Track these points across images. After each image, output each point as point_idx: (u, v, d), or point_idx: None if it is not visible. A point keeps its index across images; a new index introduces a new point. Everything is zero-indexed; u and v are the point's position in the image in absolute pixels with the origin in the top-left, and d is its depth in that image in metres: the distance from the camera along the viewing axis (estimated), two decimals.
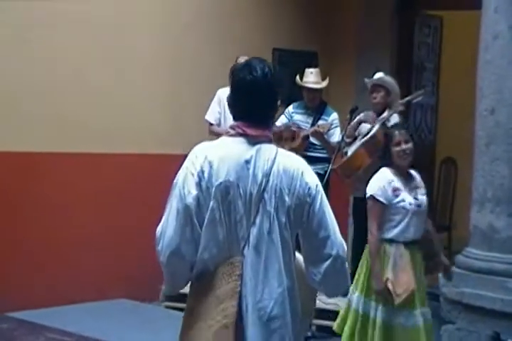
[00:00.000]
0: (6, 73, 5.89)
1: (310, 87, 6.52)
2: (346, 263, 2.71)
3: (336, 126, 6.57)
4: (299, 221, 2.67)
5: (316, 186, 2.69)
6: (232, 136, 2.74)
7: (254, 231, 2.63)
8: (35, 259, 6.00)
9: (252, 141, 2.69)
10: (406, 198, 4.55)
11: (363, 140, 6.28)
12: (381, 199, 4.52)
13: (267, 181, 2.63)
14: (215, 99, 6.61)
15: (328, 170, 6.02)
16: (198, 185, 2.65)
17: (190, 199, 2.66)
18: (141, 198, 6.67)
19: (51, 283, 6.03)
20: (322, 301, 5.85)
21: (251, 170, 2.65)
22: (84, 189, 6.32)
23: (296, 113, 6.62)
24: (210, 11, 7.22)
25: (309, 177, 2.70)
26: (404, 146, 4.60)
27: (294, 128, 6.52)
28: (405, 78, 7.93)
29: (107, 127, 6.47)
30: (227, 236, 2.65)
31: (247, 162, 2.65)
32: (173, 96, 6.97)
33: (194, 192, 2.66)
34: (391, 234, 4.54)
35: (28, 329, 5.40)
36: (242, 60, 6.49)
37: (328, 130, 6.48)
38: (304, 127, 6.54)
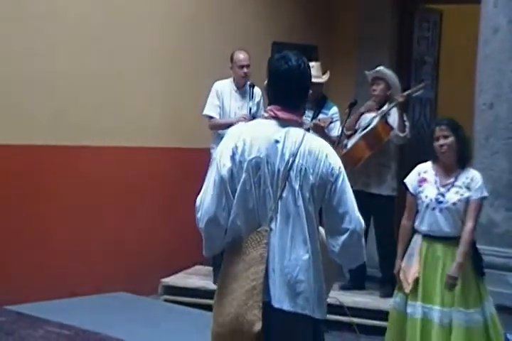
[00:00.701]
0: (4, 69, 5.86)
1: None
2: (363, 239, 2.98)
3: (336, 120, 6.58)
4: (321, 197, 2.96)
5: (339, 168, 2.98)
6: (266, 118, 3.09)
7: (281, 204, 2.94)
8: (34, 252, 6.00)
9: (283, 123, 3.02)
10: (427, 191, 4.68)
11: (363, 132, 6.29)
12: (409, 186, 4.79)
13: (293, 160, 2.94)
14: (212, 92, 6.55)
15: None
16: (232, 158, 2.97)
17: (224, 171, 2.97)
18: (139, 191, 6.68)
19: (50, 276, 6.03)
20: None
21: (280, 149, 2.96)
22: (82, 182, 6.32)
23: None
24: (210, 4, 7.22)
25: (332, 159, 2.99)
26: (441, 141, 4.64)
27: None
28: (405, 72, 7.92)
29: (104, 121, 6.46)
30: (257, 206, 2.96)
31: (277, 141, 2.97)
32: (172, 90, 6.96)
33: (228, 165, 2.98)
34: (415, 223, 4.78)
35: (26, 322, 5.39)
36: (239, 54, 6.51)
37: (329, 124, 6.48)
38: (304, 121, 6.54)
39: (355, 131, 6.37)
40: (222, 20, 7.26)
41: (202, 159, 6.56)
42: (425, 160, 4.84)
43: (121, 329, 5.41)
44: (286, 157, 2.96)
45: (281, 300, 2.95)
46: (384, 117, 6.25)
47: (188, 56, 7.04)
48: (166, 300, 6.46)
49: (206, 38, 7.14)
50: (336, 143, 6.13)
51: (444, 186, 4.65)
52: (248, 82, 6.54)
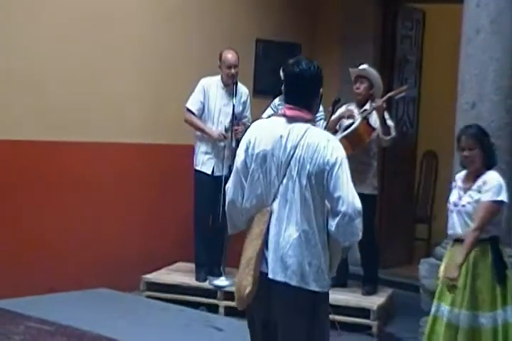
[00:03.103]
0: None
1: None
2: (357, 220, 3.29)
3: (320, 119, 6.58)
4: (320, 184, 3.33)
5: (336, 157, 3.33)
6: (278, 116, 3.52)
7: (281, 189, 3.38)
8: (15, 248, 5.98)
9: (290, 120, 3.44)
10: (451, 196, 4.83)
11: (345, 133, 6.30)
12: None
13: (294, 152, 3.36)
14: (198, 88, 6.54)
15: None
16: (246, 151, 3.46)
17: (239, 163, 3.49)
18: (120, 187, 6.67)
19: (31, 271, 6.01)
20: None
21: (283, 143, 3.38)
22: (62, 178, 6.30)
23: (282, 105, 6.60)
24: (192, 1, 7.20)
25: (330, 149, 3.33)
26: (465, 153, 4.74)
27: None
28: (388, 71, 7.95)
29: (88, 116, 6.45)
30: (264, 192, 3.42)
31: (282, 136, 3.39)
32: (157, 86, 6.94)
33: (242, 157, 3.48)
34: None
35: (7, 318, 5.39)
36: (227, 54, 6.50)
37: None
38: None
39: (336, 132, 6.39)
40: (207, 17, 7.24)
41: (185, 156, 6.58)
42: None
43: (101, 324, 5.41)
44: (288, 149, 3.36)
45: (274, 272, 3.36)
46: (365, 118, 6.27)
47: (172, 53, 7.02)
48: (148, 296, 6.46)
49: (191, 35, 7.13)
50: None
51: (464, 190, 4.77)
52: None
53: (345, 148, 6.12)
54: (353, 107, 6.48)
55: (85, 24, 6.40)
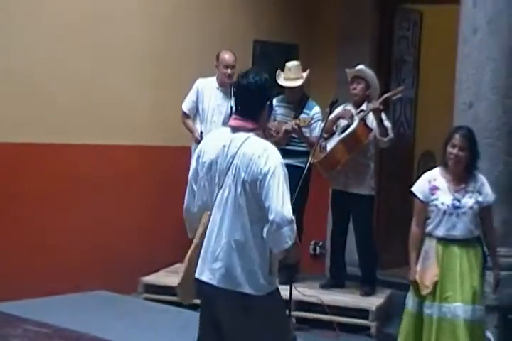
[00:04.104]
0: None
1: (286, 85, 6.52)
2: (285, 229, 3.36)
3: (317, 120, 6.58)
4: (255, 192, 3.43)
5: (269, 168, 3.40)
6: (225, 126, 3.65)
7: (219, 196, 3.52)
8: (12, 250, 5.97)
9: (234, 130, 3.55)
10: (441, 198, 4.77)
11: (342, 136, 6.29)
12: (418, 195, 4.84)
13: (232, 161, 3.48)
14: (193, 89, 6.64)
15: (308, 164, 6.03)
16: (197, 161, 3.63)
17: (191, 171, 3.67)
18: (118, 189, 6.66)
19: (28, 274, 6.00)
20: (302, 293, 5.90)
21: (225, 152, 3.51)
22: (61, 180, 6.29)
23: (279, 106, 6.61)
24: (190, 2, 7.20)
25: (264, 159, 3.42)
26: (456, 151, 4.72)
27: (276, 122, 6.54)
28: (385, 71, 7.94)
29: (88, 118, 6.45)
30: (209, 198, 3.58)
31: (224, 146, 3.52)
32: (155, 87, 6.93)
33: (194, 165, 3.66)
34: (427, 228, 4.84)
35: (5, 321, 5.38)
36: (224, 54, 6.52)
37: (311, 124, 6.49)
38: (286, 121, 6.55)
39: (333, 133, 6.38)
40: (205, 19, 7.24)
41: (184, 157, 6.56)
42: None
43: (100, 327, 5.40)
44: (228, 158, 3.49)
45: (201, 273, 3.55)
46: (363, 119, 6.26)
47: (170, 55, 7.02)
48: (146, 299, 6.46)
49: (189, 36, 7.12)
50: (316, 143, 6.14)
51: (457, 192, 4.77)
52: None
53: (342, 153, 6.27)
54: (349, 107, 6.47)
55: (84, 26, 6.41)
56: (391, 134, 6.32)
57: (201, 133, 6.54)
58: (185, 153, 6.50)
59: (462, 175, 4.79)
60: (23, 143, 6.05)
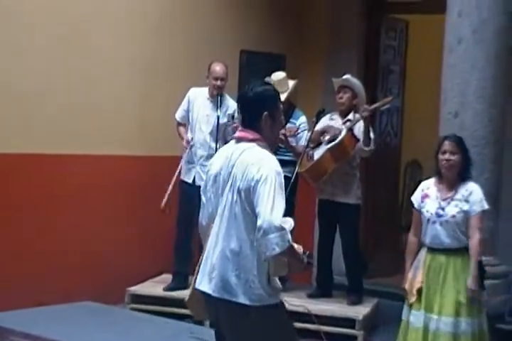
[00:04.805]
0: None
1: None
2: (271, 235, 3.31)
3: (303, 130, 6.59)
4: (250, 200, 3.44)
5: (261, 175, 3.41)
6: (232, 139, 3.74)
7: (220, 205, 3.56)
8: (0, 261, 5.94)
9: (237, 141, 3.62)
10: (428, 206, 4.81)
11: (330, 145, 6.29)
12: (414, 203, 4.94)
13: (232, 170, 3.52)
14: (185, 97, 6.66)
15: (294, 173, 6.04)
16: (207, 173, 3.72)
17: (203, 183, 3.74)
18: (106, 199, 6.64)
19: (16, 285, 5.96)
20: (289, 303, 5.88)
21: (228, 163, 3.56)
22: (49, 190, 6.27)
23: None
24: (177, 12, 7.20)
25: (257, 167, 3.43)
26: (448, 156, 4.74)
27: None
28: (372, 81, 7.98)
29: (75, 128, 6.43)
30: (214, 209, 3.62)
31: (227, 157, 3.58)
32: (142, 97, 6.94)
33: (204, 177, 3.81)
34: (421, 237, 4.90)
35: None
36: (215, 66, 6.52)
37: (297, 133, 6.50)
38: None
39: (320, 143, 6.39)
40: (191, 29, 7.24)
41: (170, 167, 6.55)
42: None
43: (86, 338, 5.38)
44: (229, 168, 3.54)
45: (201, 283, 3.56)
46: (350, 129, 6.27)
47: (156, 65, 7.02)
48: (133, 309, 6.43)
49: (175, 46, 7.12)
50: (303, 153, 6.15)
51: (444, 200, 4.79)
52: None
53: (329, 163, 6.28)
54: (336, 116, 6.49)
55: (71, 36, 6.38)
56: (372, 146, 6.32)
57: (191, 138, 6.53)
58: (174, 162, 6.49)
59: (454, 183, 4.80)
60: (10, 153, 6.02)
